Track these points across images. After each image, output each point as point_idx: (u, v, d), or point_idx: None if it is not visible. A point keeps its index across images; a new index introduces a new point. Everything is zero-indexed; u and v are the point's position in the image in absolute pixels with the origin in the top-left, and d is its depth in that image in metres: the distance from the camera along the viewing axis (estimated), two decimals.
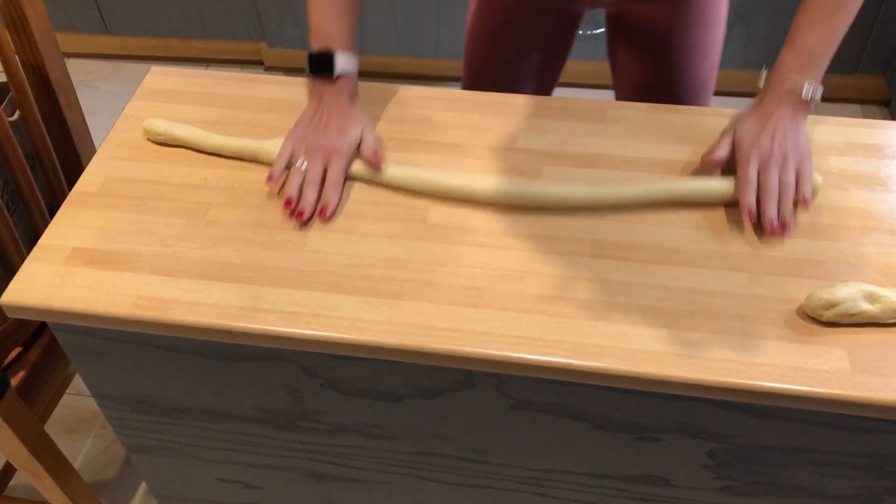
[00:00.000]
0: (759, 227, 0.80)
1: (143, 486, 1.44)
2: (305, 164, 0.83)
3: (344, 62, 0.86)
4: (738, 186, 0.81)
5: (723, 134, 0.85)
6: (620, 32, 1.09)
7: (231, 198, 0.84)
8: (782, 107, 0.82)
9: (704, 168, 0.86)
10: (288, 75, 1.02)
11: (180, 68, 1.01)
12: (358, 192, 0.85)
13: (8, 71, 1.00)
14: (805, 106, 0.82)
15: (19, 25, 1.01)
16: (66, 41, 2.31)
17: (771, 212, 0.78)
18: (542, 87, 1.16)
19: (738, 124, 0.84)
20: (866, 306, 0.71)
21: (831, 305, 0.71)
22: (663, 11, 1.01)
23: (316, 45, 0.87)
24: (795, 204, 0.80)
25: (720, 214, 0.82)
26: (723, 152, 0.83)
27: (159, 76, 0.99)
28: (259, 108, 0.95)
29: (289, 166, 0.84)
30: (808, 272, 0.77)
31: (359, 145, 0.86)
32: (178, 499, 1.10)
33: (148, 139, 0.90)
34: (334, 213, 0.82)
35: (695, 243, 0.79)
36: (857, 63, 2.02)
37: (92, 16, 2.23)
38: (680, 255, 0.78)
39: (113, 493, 1.43)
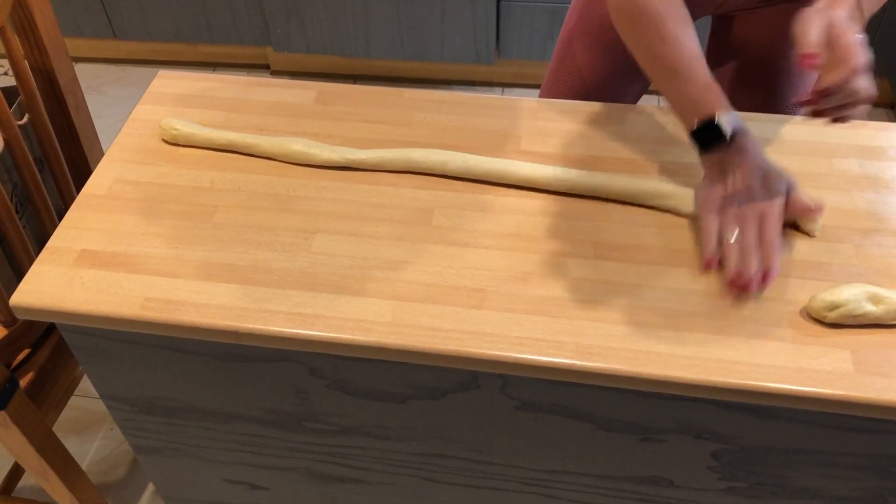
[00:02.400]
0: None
1: (151, 487, 1.44)
2: (737, 233, 0.75)
3: (730, 120, 0.77)
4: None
5: (800, 32, 0.72)
6: (728, 39, 1.05)
7: (238, 200, 0.85)
8: (846, 8, 0.73)
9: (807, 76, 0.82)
10: (294, 79, 1.03)
11: (187, 72, 1.02)
12: (363, 194, 0.85)
13: (17, 75, 1.01)
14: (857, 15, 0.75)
15: (28, 30, 1.02)
16: (74, 46, 2.33)
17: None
18: (644, 89, 1.13)
19: (813, 24, 0.72)
20: (870, 308, 0.71)
21: (835, 307, 0.71)
22: (780, 25, 0.98)
23: (694, 119, 0.78)
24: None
25: None
26: (815, 51, 0.71)
27: (167, 80, 1.00)
28: (266, 112, 0.95)
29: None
30: (811, 273, 0.77)
31: (786, 199, 0.77)
32: (184, 500, 1.10)
33: (163, 140, 0.91)
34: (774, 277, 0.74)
35: (698, 245, 0.79)
36: None
37: (100, 21, 2.25)
38: (683, 256, 0.78)
39: (120, 494, 1.44)
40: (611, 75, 1.08)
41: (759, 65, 1.04)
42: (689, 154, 0.89)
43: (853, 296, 0.71)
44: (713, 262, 0.75)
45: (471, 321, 0.73)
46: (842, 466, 0.79)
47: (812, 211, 0.78)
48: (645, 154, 0.89)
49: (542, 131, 0.92)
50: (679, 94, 0.80)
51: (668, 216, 0.82)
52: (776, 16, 1.00)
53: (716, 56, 1.10)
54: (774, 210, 0.76)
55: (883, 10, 1.90)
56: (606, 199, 0.84)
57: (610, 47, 1.03)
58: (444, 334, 0.72)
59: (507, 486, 0.92)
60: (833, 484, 0.81)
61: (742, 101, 1.04)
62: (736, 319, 0.73)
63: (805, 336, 0.71)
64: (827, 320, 0.72)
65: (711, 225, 0.76)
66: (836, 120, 0.73)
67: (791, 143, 0.90)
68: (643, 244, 0.80)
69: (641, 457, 0.83)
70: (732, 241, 0.75)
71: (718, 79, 1.09)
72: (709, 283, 0.76)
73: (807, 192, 0.80)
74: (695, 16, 1.05)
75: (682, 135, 0.91)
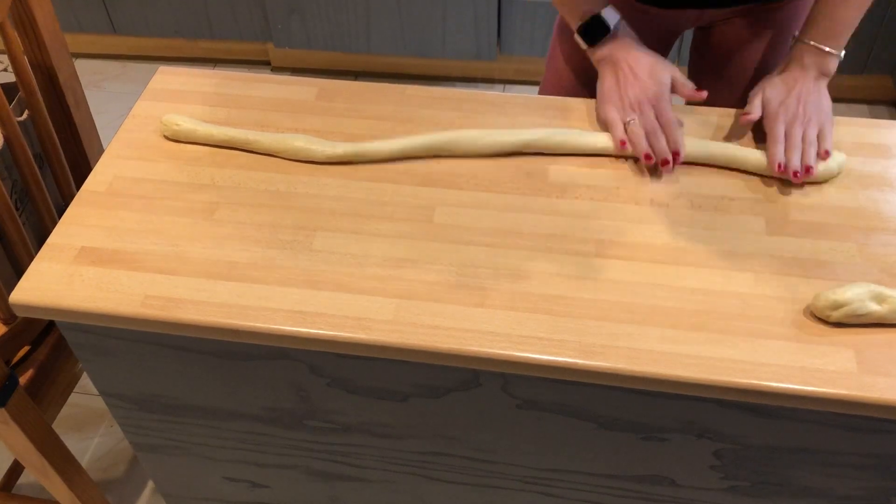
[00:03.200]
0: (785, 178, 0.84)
1: (150, 484, 1.44)
2: (637, 118, 0.85)
3: (612, 15, 0.89)
4: (768, 144, 0.85)
5: (752, 96, 0.89)
6: (709, 48, 1.09)
7: (238, 197, 0.84)
8: (807, 73, 0.88)
9: (738, 129, 0.90)
10: (295, 75, 1.02)
11: (188, 68, 1.01)
12: (364, 191, 0.85)
13: (17, 71, 1.01)
14: (828, 71, 0.88)
15: (28, 26, 1.02)
16: (73, 42, 2.33)
17: (794, 162, 0.83)
18: None
19: (765, 88, 0.88)
20: (874, 307, 0.71)
21: (839, 306, 0.71)
22: (758, 32, 1.03)
23: (578, 20, 0.90)
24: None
25: (726, 215, 0.82)
26: (755, 113, 0.87)
27: (167, 76, 1.00)
28: (266, 108, 0.95)
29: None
30: (815, 272, 0.76)
31: (672, 87, 0.88)
32: (184, 497, 1.10)
33: (164, 136, 0.91)
34: (685, 155, 0.84)
35: (701, 243, 0.79)
36: (865, 63, 2.02)
37: (99, 16, 2.24)
38: (686, 254, 0.78)
39: (120, 492, 1.43)
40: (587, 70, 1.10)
41: (736, 68, 1.08)
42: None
43: (857, 295, 0.71)
44: (626, 143, 0.85)
45: (472, 319, 0.73)
46: (845, 466, 0.78)
47: (697, 94, 0.88)
48: None
49: (545, 129, 0.91)
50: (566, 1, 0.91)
51: (670, 214, 0.82)
52: (748, 25, 1.04)
53: (697, 62, 1.14)
54: (664, 94, 0.87)
55: (885, 6, 1.89)
56: (608, 196, 0.84)
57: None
58: (445, 332, 0.72)
59: (508, 485, 0.92)
60: (836, 483, 0.81)
61: (722, 99, 1.07)
62: (739, 318, 0.72)
63: (808, 335, 0.71)
64: (831, 319, 0.71)
65: (614, 114, 0.87)
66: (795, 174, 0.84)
67: None
68: (645, 242, 0.79)
69: (643, 456, 0.83)
70: (634, 125, 0.85)
71: (700, 81, 1.12)
72: (711, 282, 0.76)
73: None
74: (677, 31, 1.07)
75: (686, 130, 0.90)
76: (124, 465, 1.48)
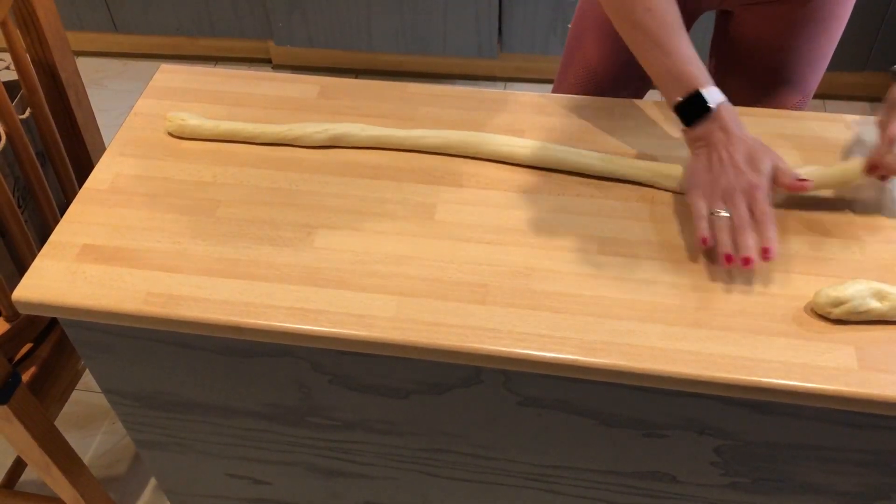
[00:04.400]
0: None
1: (153, 481, 1.45)
2: (725, 212, 0.76)
3: (714, 95, 0.79)
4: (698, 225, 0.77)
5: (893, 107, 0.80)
6: (731, 35, 1.06)
7: (240, 195, 0.85)
8: None
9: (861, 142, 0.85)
10: (296, 73, 1.02)
11: (190, 66, 1.01)
12: (365, 189, 0.85)
13: (19, 69, 1.01)
14: None
15: (30, 24, 1.02)
16: (75, 40, 2.33)
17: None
18: (647, 84, 1.13)
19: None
20: (875, 304, 0.71)
21: (840, 303, 0.71)
22: (780, 22, 0.99)
23: (678, 94, 0.80)
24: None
25: None
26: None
27: (169, 74, 1.00)
28: (268, 106, 0.95)
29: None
30: (816, 269, 0.76)
31: (775, 175, 0.78)
32: (186, 494, 1.10)
33: (169, 132, 0.91)
34: (776, 253, 0.74)
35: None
36: (866, 61, 2.02)
37: (101, 14, 2.24)
38: (686, 251, 0.78)
39: (122, 489, 1.44)
40: (621, 67, 1.08)
41: (758, 59, 1.04)
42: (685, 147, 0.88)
43: (858, 292, 0.71)
44: (708, 241, 0.76)
45: (474, 316, 0.73)
46: (845, 462, 0.78)
47: (799, 185, 0.78)
48: (651, 149, 0.89)
49: (546, 126, 0.92)
50: (662, 67, 0.81)
51: (672, 212, 0.82)
52: (774, 13, 1.00)
53: (718, 50, 1.11)
54: (762, 184, 0.76)
55: (886, 3, 1.89)
56: (610, 194, 0.84)
57: (619, 39, 1.04)
58: (446, 329, 0.72)
59: (509, 482, 0.92)
60: (836, 480, 0.81)
61: (741, 93, 1.04)
62: (740, 315, 0.73)
63: (809, 332, 0.71)
64: (831, 316, 0.71)
65: (701, 203, 0.77)
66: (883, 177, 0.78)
67: (797, 137, 0.90)
68: (647, 240, 0.79)
69: (644, 452, 0.83)
70: (719, 220, 0.76)
71: (720, 71, 1.09)
72: (712, 279, 0.76)
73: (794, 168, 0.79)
74: (697, 11, 1.05)
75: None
76: (126, 462, 1.48)
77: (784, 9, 0.99)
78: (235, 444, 0.96)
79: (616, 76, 1.09)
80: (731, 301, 0.74)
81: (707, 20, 1.12)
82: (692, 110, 0.79)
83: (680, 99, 0.79)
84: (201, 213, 0.83)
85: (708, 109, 0.78)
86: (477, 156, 0.88)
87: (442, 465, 0.92)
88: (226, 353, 0.81)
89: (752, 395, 0.69)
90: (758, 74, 1.06)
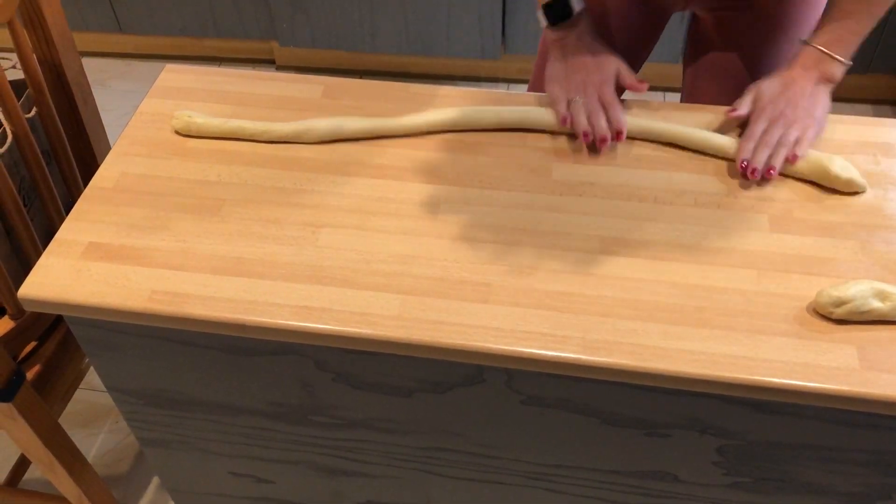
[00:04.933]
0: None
1: (155, 480, 1.45)
2: (581, 99, 0.88)
3: (578, 2, 0.92)
4: (741, 139, 0.86)
5: (747, 91, 0.89)
6: (702, 39, 1.09)
7: (245, 194, 0.85)
8: (807, 75, 0.87)
9: (727, 124, 0.90)
10: (299, 74, 1.03)
11: (195, 66, 1.02)
12: (369, 188, 0.86)
13: (26, 68, 1.02)
14: (832, 76, 0.87)
15: (37, 24, 1.03)
16: (79, 40, 2.33)
17: (757, 160, 0.83)
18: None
19: (761, 84, 0.88)
20: (876, 304, 0.71)
21: (842, 303, 0.71)
22: (753, 25, 1.02)
23: None
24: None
25: (730, 212, 0.82)
26: (743, 109, 0.87)
27: (174, 74, 1.00)
28: (272, 106, 0.95)
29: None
30: (817, 269, 0.77)
31: (617, 78, 0.91)
32: (190, 492, 1.11)
33: (176, 131, 0.91)
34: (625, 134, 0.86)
35: (704, 240, 0.80)
36: (869, 63, 2.02)
37: (105, 15, 2.25)
38: (689, 251, 0.79)
39: (125, 487, 1.44)
40: None
41: (724, 63, 1.08)
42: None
43: (860, 292, 0.71)
44: (566, 120, 0.88)
45: (477, 315, 0.73)
46: (847, 462, 0.79)
47: (638, 85, 0.90)
48: (658, 150, 0.89)
49: (550, 126, 0.92)
50: None
51: (674, 211, 0.83)
52: (738, 18, 1.03)
53: (689, 53, 1.14)
54: (609, 80, 0.90)
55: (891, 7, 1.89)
56: (612, 194, 0.84)
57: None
58: (449, 328, 0.72)
59: (511, 481, 0.93)
60: (838, 480, 0.81)
61: (711, 95, 1.09)
62: (742, 315, 0.73)
63: (811, 332, 0.72)
64: (833, 316, 0.72)
65: (560, 92, 0.90)
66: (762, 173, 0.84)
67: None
68: (649, 239, 0.80)
69: (646, 451, 0.83)
70: (576, 105, 0.88)
71: (692, 74, 1.13)
72: (714, 279, 0.76)
73: None
74: (666, 12, 1.09)
75: (696, 132, 0.91)
76: (129, 460, 1.48)
77: (748, 16, 1.01)
78: (239, 442, 0.97)
79: None
80: (734, 300, 0.74)
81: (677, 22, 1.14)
82: (556, 13, 0.92)
83: (547, 1, 0.92)
84: (206, 212, 0.83)
85: (570, 14, 0.92)
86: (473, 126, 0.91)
87: (444, 464, 0.92)
88: (230, 351, 0.82)
89: (753, 395, 0.70)
90: (727, 77, 1.08)
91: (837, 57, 0.87)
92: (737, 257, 0.78)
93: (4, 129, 1.00)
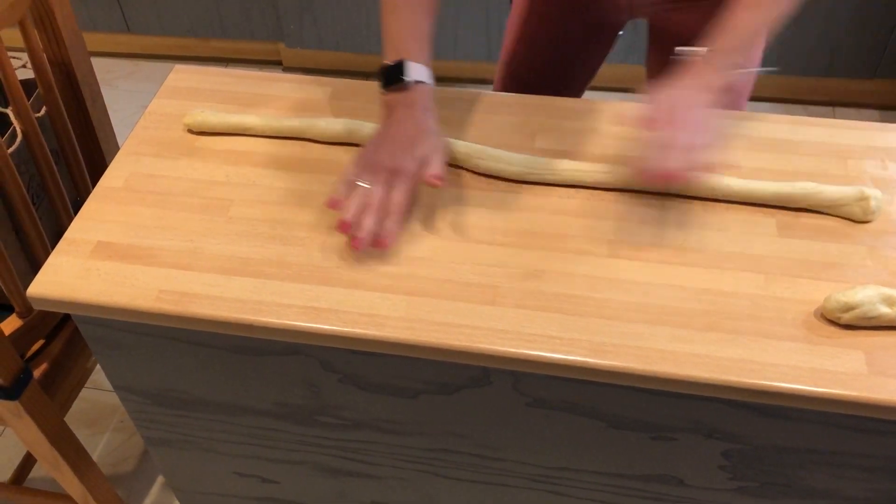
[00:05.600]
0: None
1: (160, 479, 1.45)
2: (368, 185, 0.78)
3: (418, 72, 0.83)
4: (642, 150, 0.79)
5: (644, 102, 0.82)
6: (658, 42, 1.09)
7: (252, 194, 0.85)
8: (701, 83, 0.82)
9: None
10: (306, 75, 1.03)
11: (203, 66, 1.02)
12: None
13: (35, 68, 1.02)
14: (727, 85, 0.82)
15: (48, 23, 1.03)
16: (87, 40, 2.32)
17: (662, 165, 0.76)
18: (574, 93, 1.18)
19: (657, 95, 0.82)
20: (884, 310, 0.71)
21: (849, 308, 0.71)
22: (702, 23, 1.01)
23: (390, 58, 0.84)
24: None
25: (738, 215, 0.82)
26: (647, 121, 0.80)
27: (182, 74, 1.01)
28: (280, 107, 0.96)
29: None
30: (825, 274, 0.77)
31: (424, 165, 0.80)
32: (194, 492, 1.11)
33: (189, 129, 0.92)
34: (391, 246, 0.78)
35: (711, 244, 0.79)
36: (876, 67, 2.01)
37: (114, 15, 2.26)
38: (696, 255, 0.78)
39: (130, 486, 1.45)
40: (545, 68, 1.14)
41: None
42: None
43: (868, 297, 0.71)
44: (334, 204, 0.78)
45: (484, 317, 0.73)
46: (854, 468, 0.78)
47: (432, 181, 0.79)
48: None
49: (556, 129, 0.92)
50: (389, 31, 0.86)
51: (681, 216, 0.82)
52: (688, 19, 1.01)
53: (652, 56, 1.13)
54: (409, 170, 0.79)
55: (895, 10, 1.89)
56: (620, 197, 0.84)
57: (531, 37, 1.11)
58: (456, 330, 0.72)
59: (516, 483, 0.93)
60: (845, 485, 0.81)
61: None
62: (750, 319, 0.73)
63: (819, 337, 0.71)
64: (841, 321, 0.72)
65: (352, 168, 0.80)
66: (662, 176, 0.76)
67: (805, 143, 0.90)
68: (657, 243, 0.80)
69: (652, 455, 0.83)
70: (360, 192, 0.78)
71: (654, 80, 1.13)
72: (722, 283, 0.76)
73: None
74: (616, 22, 1.09)
75: None
76: (134, 459, 1.49)
77: (696, 15, 0.99)
78: (244, 442, 0.97)
79: (534, 78, 1.15)
80: (741, 305, 0.74)
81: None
82: (391, 77, 0.83)
83: (387, 63, 0.84)
84: (214, 212, 0.83)
85: (402, 81, 0.82)
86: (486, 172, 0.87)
87: (449, 466, 0.92)
88: (236, 351, 0.82)
89: (760, 399, 0.70)
90: None
91: (730, 62, 0.82)
92: (745, 261, 0.78)
93: (14, 127, 1.00)
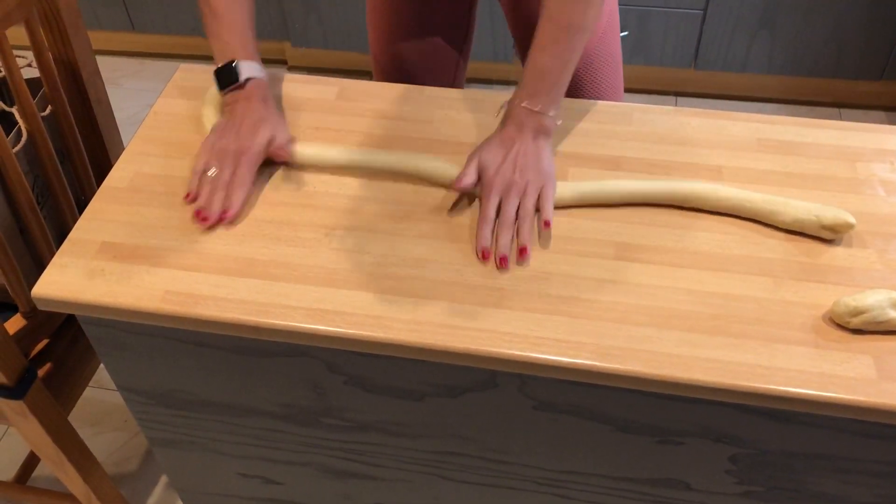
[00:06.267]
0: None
1: (163, 479, 1.45)
2: (215, 170, 0.84)
3: (249, 69, 0.89)
4: (478, 223, 0.80)
5: (469, 158, 0.84)
6: (514, 14, 1.10)
7: (258, 195, 0.85)
8: (523, 133, 0.83)
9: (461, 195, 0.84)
10: (311, 75, 1.03)
11: (209, 66, 1.02)
12: (383, 191, 0.85)
13: (41, 67, 1.02)
14: (545, 129, 0.84)
15: (53, 22, 1.03)
16: (92, 39, 2.33)
17: (501, 247, 0.78)
18: (449, 79, 1.19)
19: (482, 152, 0.83)
20: (894, 314, 0.71)
21: (859, 312, 0.70)
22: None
23: (220, 60, 0.90)
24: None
25: (745, 219, 0.82)
26: (469, 179, 0.82)
27: (188, 73, 1.01)
28: (288, 107, 0.95)
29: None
30: (834, 278, 0.76)
31: (270, 144, 0.86)
32: (198, 492, 1.11)
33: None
34: (237, 215, 0.82)
35: (720, 247, 0.79)
36: (883, 69, 2.01)
37: (119, 14, 2.26)
38: (705, 259, 0.78)
39: (133, 486, 1.44)
40: (394, 61, 1.16)
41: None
42: (704, 154, 0.88)
43: (877, 302, 0.71)
44: (191, 196, 0.83)
45: (490, 320, 0.73)
46: (862, 473, 0.78)
47: (281, 153, 0.86)
48: (666, 155, 0.89)
49: (560, 130, 0.92)
50: (214, 33, 0.91)
51: (689, 219, 0.82)
52: None
53: (515, 34, 1.14)
54: (252, 150, 0.85)
55: None
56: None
57: (381, 29, 1.14)
58: (463, 333, 0.72)
59: (522, 486, 0.92)
60: (853, 491, 0.81)
61: None
62: (758, 323, 0.72)
63: (828, 341, 0.71)
64: (850, 326, 0.71)
65: (202, 157, 0.85)
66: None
67: (814, 146, 0.89)
68: (663, 246, 0.79)
69: (659, 459, 0.83)
70: (209, 178, 0.83)
71: (522, 55, 1.10)
72: (730, 286, 0.75)
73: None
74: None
75: (696, 135, 0.90)
76: (138, 459, 1.49)
77: None
78: (249, 443, 0.97)
79: (400, 65, 1.16)
80: (749, 309, 0.73)
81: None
82: (225, 79, 0.89)
83: (219, 65, 0.89)
84: None
85: (237, 79, 0.88)
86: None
87: (455, 468, 0.92)
88: (242, 352, 0.82)
89: (768, 404, 0.69)
90: None
91: (541, 111, 0.83)
92: (753, 265, 0.77)
93: (19, 127, 1.00)
